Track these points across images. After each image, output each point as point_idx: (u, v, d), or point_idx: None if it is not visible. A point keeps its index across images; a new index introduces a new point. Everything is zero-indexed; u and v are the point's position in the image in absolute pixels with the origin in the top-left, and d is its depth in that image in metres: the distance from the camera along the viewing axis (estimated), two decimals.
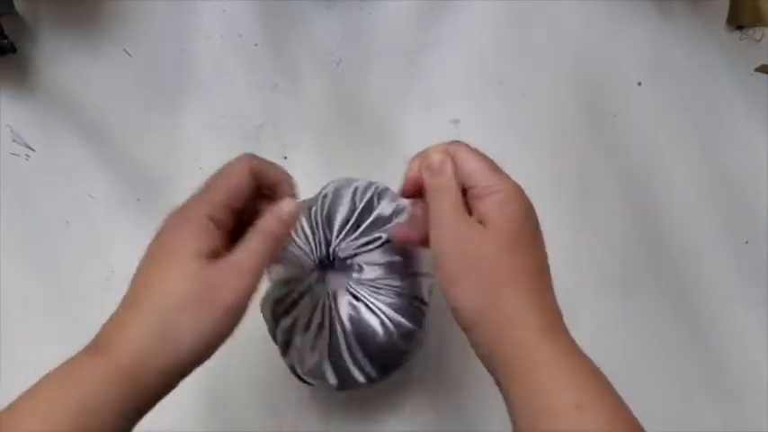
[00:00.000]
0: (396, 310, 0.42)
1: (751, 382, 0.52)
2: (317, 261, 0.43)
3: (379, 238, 0.43)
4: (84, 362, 0.32)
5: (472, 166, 0.36)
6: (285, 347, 0.43)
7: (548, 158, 0.55)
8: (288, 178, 0.38)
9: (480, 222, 0.34)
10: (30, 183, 0.55)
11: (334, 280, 0.43)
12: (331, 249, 0.43)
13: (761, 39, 0.58)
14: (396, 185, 0.52)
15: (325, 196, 0.45)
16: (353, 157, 0.55)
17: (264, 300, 0.44)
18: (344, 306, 0.42)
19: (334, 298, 0.42)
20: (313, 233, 0.44)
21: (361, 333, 0.42)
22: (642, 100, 0.57)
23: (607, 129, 0.56)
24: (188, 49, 0.56)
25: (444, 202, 0.35)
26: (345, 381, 0.43)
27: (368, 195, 0.45)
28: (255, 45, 0.57)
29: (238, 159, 0.37)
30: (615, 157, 0.56)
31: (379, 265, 0.43)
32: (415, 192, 0.39)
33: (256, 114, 0.56)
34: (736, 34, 0.58)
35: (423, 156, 0.38)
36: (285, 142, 0.55)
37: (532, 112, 0.56)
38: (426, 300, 0.45)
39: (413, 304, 0.43)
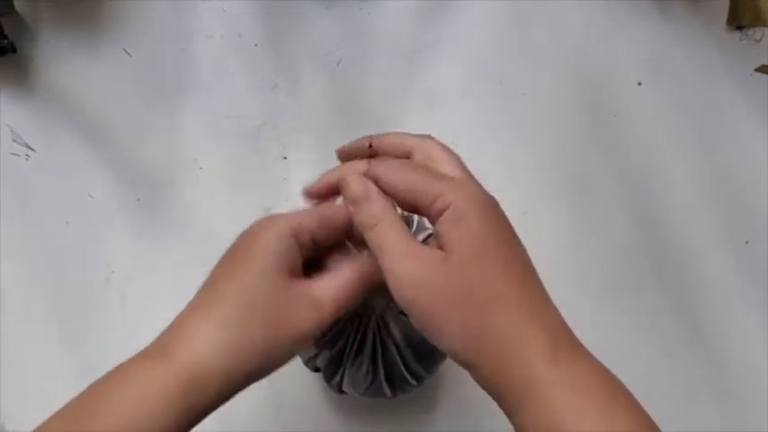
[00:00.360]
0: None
1: (751, 382, 0.52)
2: None
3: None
4: (147, 366, 0.31)
5: (405, 182, 0.32)
6: (332, 374, 0.43)
7: (548, 158, 0.55)
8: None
9: (440, 247, 0.30)
10: (30, 183, 0.55)
11: (377, 301, 0.41)
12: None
13: (761, 39, 0.58)
14: None
15: None
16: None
17: None
18: (396, 324, 0.41)
19: (382, 318, 0.41)
20: None
21: (415, 343, 0.42)
22: (642, 100, 0.57)
23: (607, 129, 0.56)
24: (188, 49, 0.56)
25: (385, 239, 0.31)
26: (398, 389, 0.43)
27: None
28: (255, 45, 0.57)
29: (335, 203, 0.35)
30: (615, 156, 0.56)
31: None
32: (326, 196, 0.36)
33: (256, 114, 0.56)
34: (737, 34, 0.58)
35: (340, 175, 0.35)
36: (285, 142, 0.56)
37: (532, 112, 0.56)
38: None
39: None
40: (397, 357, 0.42)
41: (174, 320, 0.32)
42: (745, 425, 0.51)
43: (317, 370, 0.44)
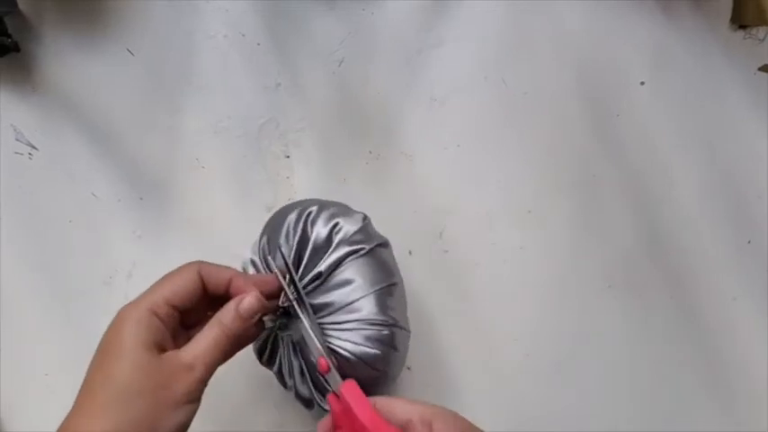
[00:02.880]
0: (361, 342, 0.41)
1: (751, 382, 0.52)
2: (279, 311, 0.43)
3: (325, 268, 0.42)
4: None
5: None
6: (285, 386, 0.45)
7: (550, 158, 0.55)
8: (243, 276, 0.39)
9: None
10: (33, 181, 0.55)
11: (296, 327, 0.42)
12: (285, 298, 0.42)
13: (764, 38, 0.58)
14: (397, 184, 0.53)
15: (262, 248, 0.44)
16: (355, 156, 0.55)
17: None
18: (315, 349, 0.41)
19: (303, 342, 0.42)
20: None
21: (341, 364, 0.41)
22: (645, 99, 0.57)
23: (610, 128, 0.56)
24: (191, 49, 0.57)
25: None
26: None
27: (299, 228, 0.43)
28: (258, 45, 0.57)
29: (187, 264, 0.38)
30: (618, 156, 0.56)
31: (331, 302, 0.42)
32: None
33: (259, 113, 0.56)
34: (740, 33, 0.58)
35: None
36: (287, 141, 0.56)
37: (535, 111, 0.56)
38: (393, 316, 0.43)
39: (379, 327, 0.42)
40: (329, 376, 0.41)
41: (62, 424, 0.33)
42: (745, 425, 0.51)
43: (306, 400, 0.45)
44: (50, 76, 0.56)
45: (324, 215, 0.44)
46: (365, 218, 0.45)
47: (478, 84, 0.57)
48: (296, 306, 0.41)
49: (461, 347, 0.51)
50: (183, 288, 0.37)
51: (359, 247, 0.43)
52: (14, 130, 0.55)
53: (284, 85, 0.56)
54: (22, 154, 0.55)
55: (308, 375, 0.43)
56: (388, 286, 0.43)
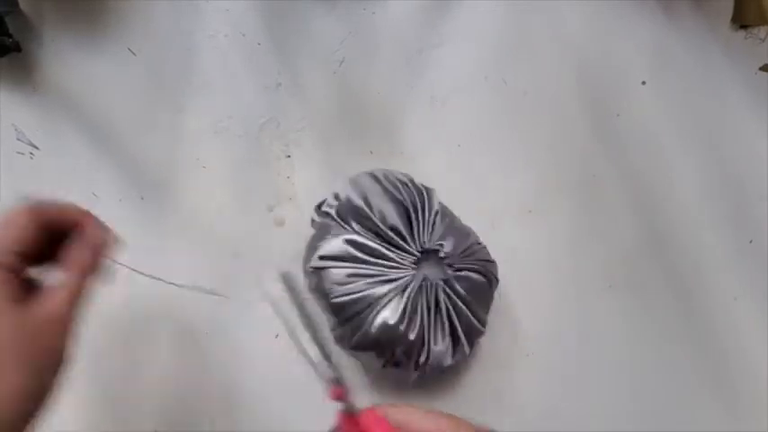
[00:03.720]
0: (483, 260, 0.46)
1: (752, 382, 0.52)
2: (415, 258, 0.45)
3: (436, 211, 0.47)
4: None
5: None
6: (416, 362, 0.45)
7: (551, 157, 0.56)
8: (82, 212, 0.38)
9: None
10: (34, 181, 0.55)
11: (431, 269, 0.45)
12: (420, 243, 0.45)
13: (765, 38, 0.58)
14: None
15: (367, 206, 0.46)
16: (356, 156, 0.55)
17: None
18: (458, 281, 0.44)
19: (445, 282, 0.44)
20: (390, 239, 0.45)
21: (477, 290, 0.45)
22: (646, 99, 0.57)
23: (611, 128, 0.56)
24: (192, 49, 0.57)
25: None
26: (472, 343, 0.47)
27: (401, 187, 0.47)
28: (259, 44, 0.57)
29: (15, 211, 0.36)
30: (618, 155, 0.56)
31: (445, 234, 0.46)
32: None
33: (259, 113, 0.56)
34: (741, 33, 0.58)
35: None
36: (288, 141, 0.56)
37: (536, 111, 0.56)
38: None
39: (482, 247, 0.48)
40: (467, 312, 0.45)
41: None
42: (745, 425, 0.51)
43: (396, 365, 0.45)
44: (51, 75, 0.56)
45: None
46: None
47: (479, 84, 0.57)
48: (299, 318, 0.37)
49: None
50: (20, 238, 0.35)
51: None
52: (16, 129, 0.55)
53: (285, 85, 0.56)
54: (23, 153, 0.55)
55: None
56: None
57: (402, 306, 0.43)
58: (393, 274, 0.44)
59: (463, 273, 0.45)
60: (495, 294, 0.49)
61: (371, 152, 0.55)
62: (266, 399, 0.49)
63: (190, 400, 0.49)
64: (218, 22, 0.57)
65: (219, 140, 0.55)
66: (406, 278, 0.44)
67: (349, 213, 0.46)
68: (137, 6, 0.57)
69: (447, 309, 0.44)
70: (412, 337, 0.43)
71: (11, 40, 0.53)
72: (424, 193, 0.47)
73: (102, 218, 0.54)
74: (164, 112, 0.56)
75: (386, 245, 0.45)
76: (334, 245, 0.45)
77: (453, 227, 0.47)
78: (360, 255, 0.44)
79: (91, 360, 0.48)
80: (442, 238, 0.45)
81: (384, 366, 0.45)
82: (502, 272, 0.49)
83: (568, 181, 0.55)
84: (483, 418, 0.50)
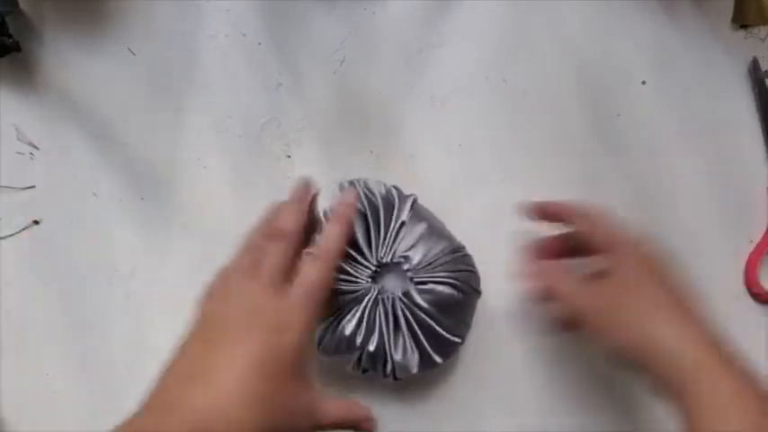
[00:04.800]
0: (456, 271, 0.45)
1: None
2: (371, 272, 0.45)
3: (402, 222, 0.46)
4: None
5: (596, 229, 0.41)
6: (383, 367, 0.45)
7: (551, 157, 0.55)
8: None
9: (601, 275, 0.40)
10: (34, 181, 0.55)
11: (392, 282, 0.46)
12: (377, 256, 0.45)
13: (765, 38, 0.58)
14: (397, 184, 0.53)
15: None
16: (356, 156, 0.55)
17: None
18: (418, 293, 0.44)
19: (404, 295, 0.44)
20: (358, 247, 0.45)
21: (443, 303, 0.45)
22: (646, 99, 0.57)
23: (611, 128, 0.56)
24: (192, 49, 0.57)
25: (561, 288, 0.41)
26: (445, 352, 0.46)
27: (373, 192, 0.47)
28: (259, 44, 0.57)
29: (297, 193, 0.44)
30: (618, 156, 0.56)
31: (416, 244, 0.45)
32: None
33: (260, 113, 0.56)
34: (741, 33, 0.58)
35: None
36: (288, 141, 0.56)
37: (536, 111, 0.56)
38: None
39: (460, 257, 0.47)
40: (432, 323, 0.44)
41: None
42: None
43: (365, 371, 0.46)
44: (51, 75, 0.56)
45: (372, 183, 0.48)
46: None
47: (479, 84, 0.57)
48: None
49: (461, 347, 0.51)
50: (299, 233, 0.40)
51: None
52: (16, 129, 0.55)
53: (285, 85, 0.56)
54: (23, 153, 0.55)
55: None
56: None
57: (357, 318, 0.44)
58: (348, 286, 0.44)
59: (427, 285, 0.44)
60: (495, 293, 0.49)
61: (371, 152, 0.55)
62: None
63: None
64: (218, 22, 0.57)
65: (220, 141, 0.55)
66: (361, 291, 0.44)
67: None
68: (137, 6, 0.57)
69: (407, 321, 0.44)
70: (372, 348, 0.44)
71: (11, 40, 0.53)
72: (395, 203, 0.47)
73: (102, 218, 0.55)
74: (164, 112, 0.56)
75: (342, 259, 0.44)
76: None
77: (428, 236, 0.46)
78: None
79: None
80: (412, 248, 0.45)
81: (353, 371, 0.46)
82: (501, 272, 0.49)
83: (568, 181, 0.55)
84: (481, 418, 0.51)
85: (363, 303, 0.44)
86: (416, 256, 0.45)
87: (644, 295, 0.38)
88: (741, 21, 0.57)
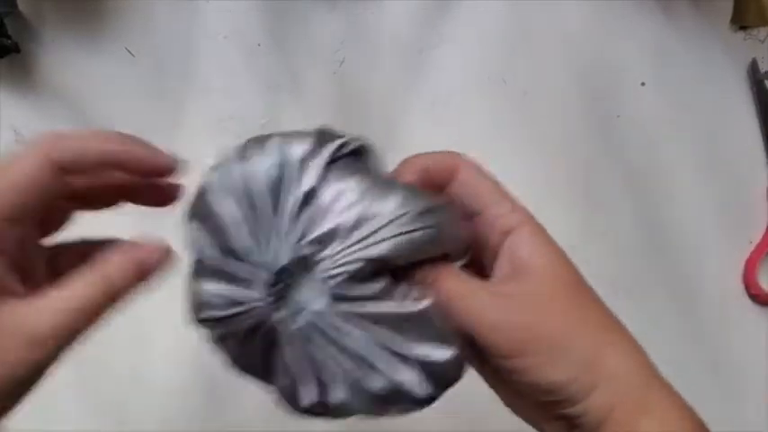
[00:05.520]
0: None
1: (754, 383, 0.52)
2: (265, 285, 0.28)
3: (305, 192, 0.27)
4: None
5: (478, 188, 0.29)
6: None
7: (551, 158, 0.56)
8: (122, 142, 0.25)
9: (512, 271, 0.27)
10: None
11: (308, 292, 0.28)
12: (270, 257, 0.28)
13: (765, 39, 0.58)
14: None
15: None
16: None
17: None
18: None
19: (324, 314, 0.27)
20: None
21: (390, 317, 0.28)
22: (646, 100, 0.57)
23: (610, 129, 0.56)
24: (191, 49, 0.56)
25: (455, 289, 0.27)
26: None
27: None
28: (259, 45, 0.57)
29: (32, 145, 0.24)
30: (618, 157, 0.56)
31: (341, 216, 0.27)
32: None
33: (260, 114, 0.56)
34: (741, 34, 0.58)
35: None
36: None
37: (535, 111, 0.56)
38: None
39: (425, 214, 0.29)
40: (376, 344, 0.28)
41: None
42: (745, 425, 0.51)
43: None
44: (50, 76, 0.56)
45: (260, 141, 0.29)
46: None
47: (479, 84, 0.57)
48: None
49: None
50: (23, 194, 0.24)
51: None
52: (14, 130, 0.55)
53: (285, 86, 0.56)
54: None
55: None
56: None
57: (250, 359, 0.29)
58: (225, 312, 0.28)
59: (356, 287, 0.27)
60: None
61: None
62: None
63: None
64: (218, 23, 0.57)
65: (219, 141, 0.55)
66: (249, 320, 0.28)
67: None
68: (136, 6, 0.57)
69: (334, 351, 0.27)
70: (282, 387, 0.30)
71: (9, 40, 0.53)
72: (295, 165, 0.28)
73: (102, 218, 0.55)
74: (163, 112, 0.56)
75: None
76: None
77: (361, 196, 0.28)
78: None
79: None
80: (334, 226, 0.27)
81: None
82: None
83: (568, 181, 0.55)
84: (481, 418, 0.51)
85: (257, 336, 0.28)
86: (338, 239, 0.27)
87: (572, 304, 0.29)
88: (740, 22, 0.57)
